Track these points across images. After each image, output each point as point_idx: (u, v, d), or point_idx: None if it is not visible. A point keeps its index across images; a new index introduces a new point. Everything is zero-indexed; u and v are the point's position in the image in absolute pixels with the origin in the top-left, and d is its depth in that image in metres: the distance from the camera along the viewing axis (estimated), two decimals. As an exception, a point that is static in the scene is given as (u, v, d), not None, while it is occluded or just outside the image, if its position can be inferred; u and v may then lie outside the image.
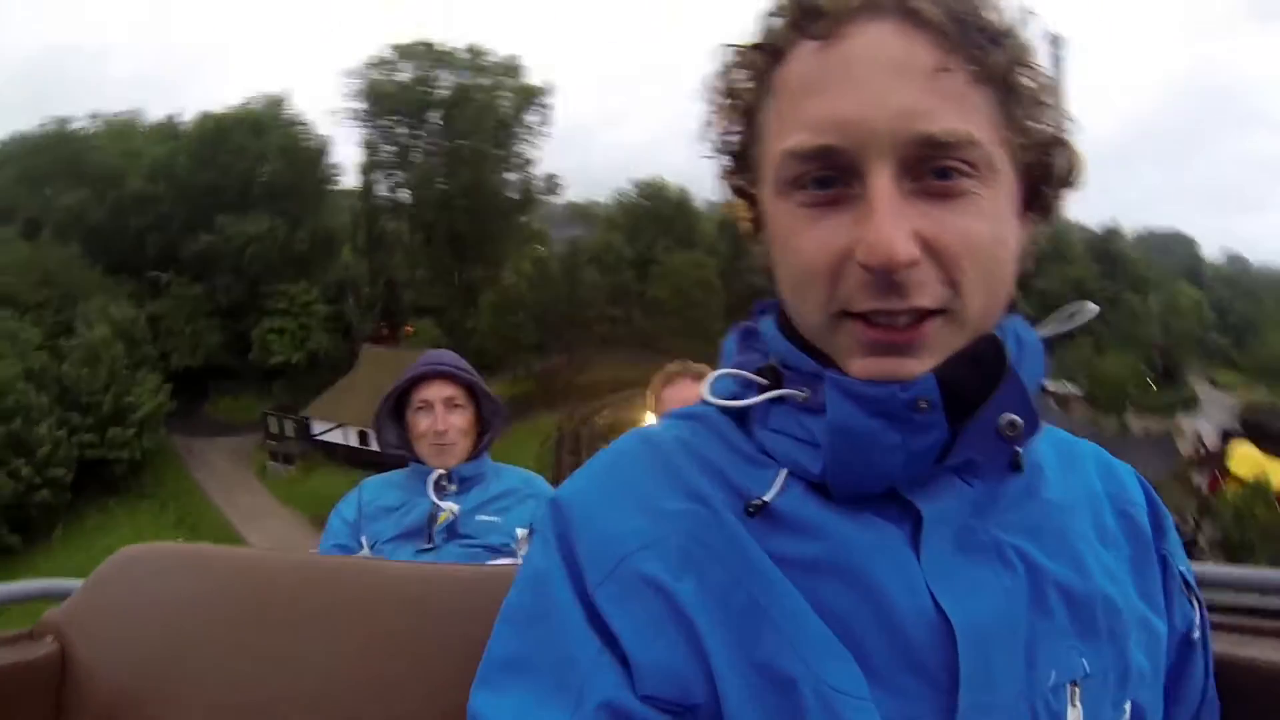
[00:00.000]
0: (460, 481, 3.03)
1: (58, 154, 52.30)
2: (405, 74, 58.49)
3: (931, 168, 0.78)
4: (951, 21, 0.78)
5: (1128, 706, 0.88)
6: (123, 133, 57.18)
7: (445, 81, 58.56)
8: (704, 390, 0.95)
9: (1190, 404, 60.14)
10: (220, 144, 49.99)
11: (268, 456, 44.53)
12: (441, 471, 3.00)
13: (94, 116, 58.88)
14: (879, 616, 0.80)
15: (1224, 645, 1.19)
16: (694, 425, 0.97)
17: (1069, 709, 0.83)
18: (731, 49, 0.90)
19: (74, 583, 2.01)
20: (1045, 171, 0.87)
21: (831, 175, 0.80)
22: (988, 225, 0.80)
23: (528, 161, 61.57)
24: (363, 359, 47.01)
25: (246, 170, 49.83)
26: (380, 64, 58.52)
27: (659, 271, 56.13)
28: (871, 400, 0.81)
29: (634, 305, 57.10)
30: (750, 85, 0.88)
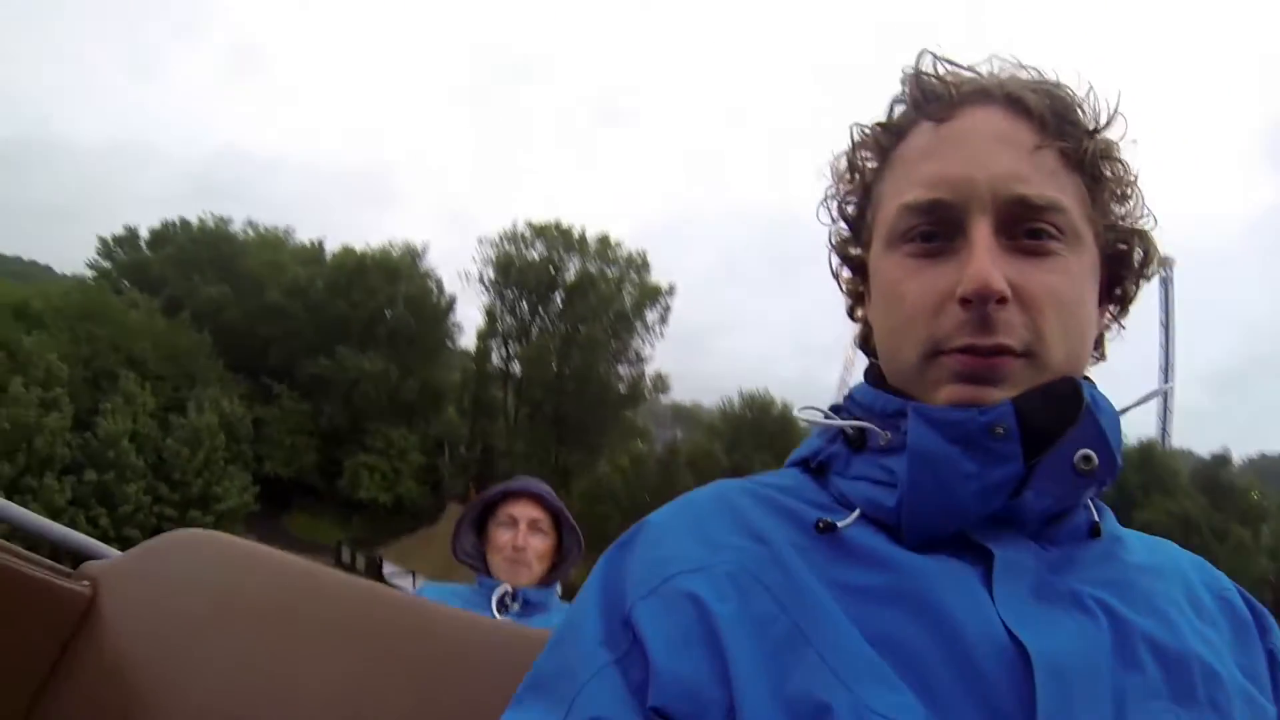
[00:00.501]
0: (525, 604, 3.00)
1: (212, 248, 55.54)
2: (536, 252, 60.42)
3: (1025, 229, 0.87)
4: (1050, 112, 0.91)
5: None
6: (272, 245, 60.46)
7: (573, 266, 60.30)
8: (798, 412, 1.01)
9: None
10: (356, 279, 52.24)
11: None
12: (508, 588, 2.97)
13: (250, 224, 62.79)
14: (947, 645, 0.77)
15: None
16: (773, 479, 1.01)
17: None
18: (859, 128, 1.03)
19: (107, 549, 1.97)
20: (1125, 259, 0.97)
21: (937, 231, 0.90)
22: (1071, 284, 0.88)
23: (641, 358, 62.36)
24: (447, 515, 46.90)
25: (375, 310, 51.84)
26: (514, 238, 60.65)
27: None
28: (951, 424, 0.85)
29: None
30: (873, 163, 1.01)
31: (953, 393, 0.86)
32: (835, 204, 1.07)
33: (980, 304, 0.84)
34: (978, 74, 0.96)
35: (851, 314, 1.10)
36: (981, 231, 0.87)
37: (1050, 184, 0.89)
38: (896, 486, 0.88)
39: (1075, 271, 0.89)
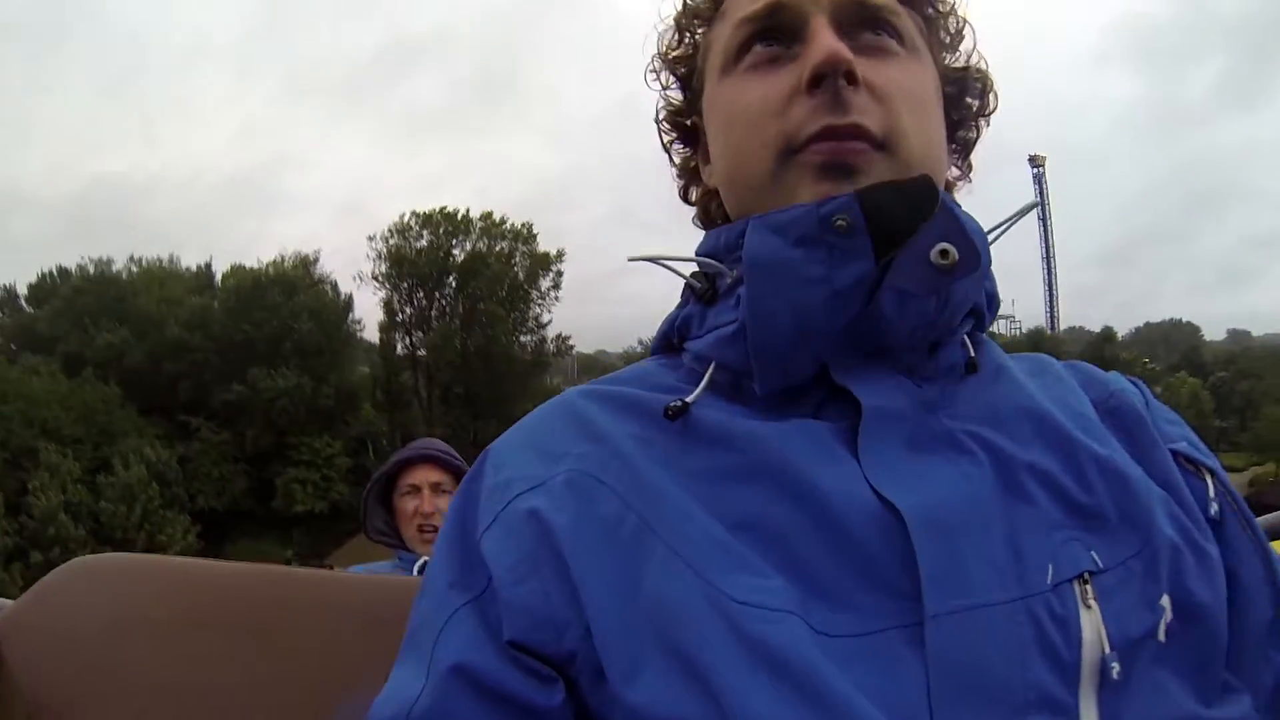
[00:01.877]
0: None
1: (100, 295, 54.87)
2: (425, 240, 61.85)
3: (866, 27, 0.83)
4: None
5: (1166, 602, 0.71)
6: (159, 277, 59.96)
7: (462, 247, 62.02)
8: (640, 251, 0.90)
9: None
10: (254, 301, 52.44)
11: None
12: (426, 559, 2.60)
13: (133, 259, 62.09)
14: (813, 519, 0.71)
15: None
16: (624, 372, 0.96)
17: (1081, 609, 0.69)
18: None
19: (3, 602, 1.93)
20: (961, 100, 0.95)
21: (775, 39, 0.85)
22: (915, 81, 0.84)
23: (540, 324, 64.68)
24: None
25: (279, 328, 52.04)
26: (402, 230, 61.96)
27: None
28: (789, 225, 0.76)
29: None
30: (704, 18, 0.97)
31: (814, 191, 0.78)
32: (664, 71, 1.02)
33: (832, 79, 0.78)
34: None
35: (685, 195, 1.04)
36: (822, 24, 0.81)
37: None
38: (744, 326, 0.80)
39: (918, 73, 0.85)
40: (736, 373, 0.82)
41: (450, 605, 0.78)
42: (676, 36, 0.99)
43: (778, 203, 0.80)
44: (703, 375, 0.82)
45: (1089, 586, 0.70)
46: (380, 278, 61.78)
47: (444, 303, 62.35)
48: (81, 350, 52.19)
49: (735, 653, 0.64)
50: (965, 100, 0.94)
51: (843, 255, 0.74)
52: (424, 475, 3.08)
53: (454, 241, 62.01)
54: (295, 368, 52.13)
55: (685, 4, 0.98)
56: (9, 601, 1.71)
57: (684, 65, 0.99)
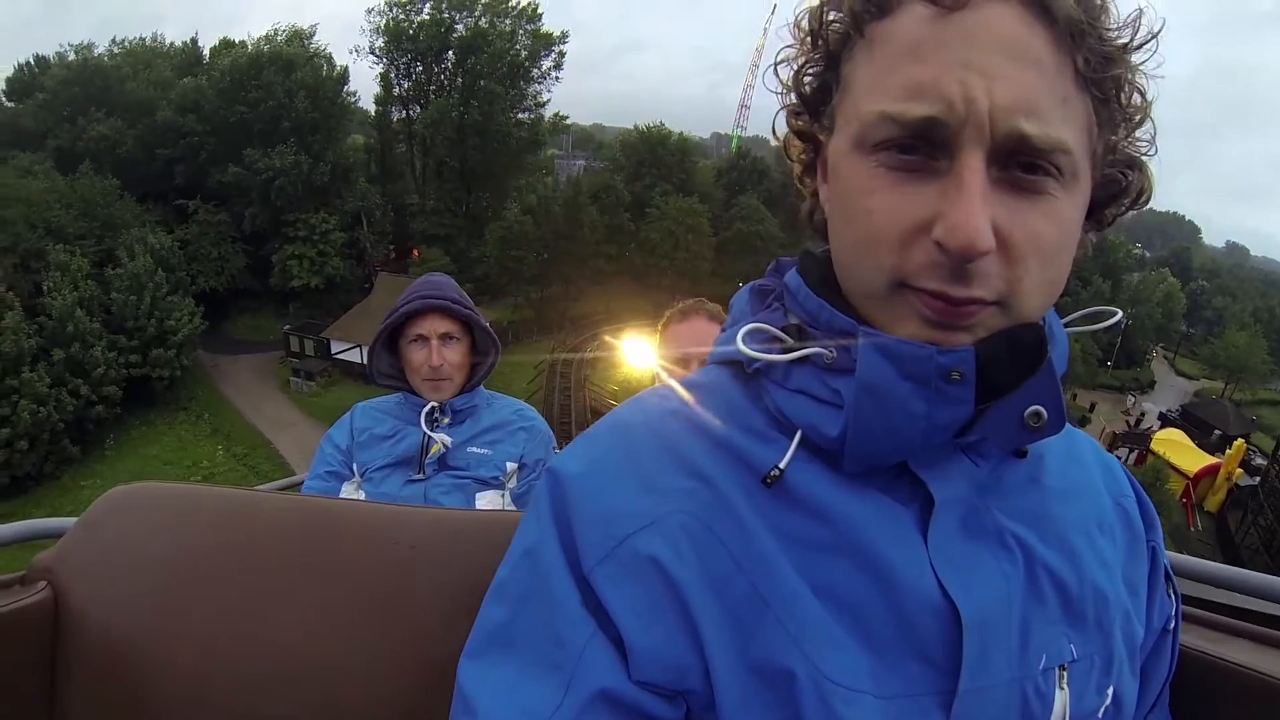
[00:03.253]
0: (453, 414, 2.96)
1: (87, 85, 54.02)
2: (425, 14, 60.82)
3: (1022, 165, 0.77)
4: (1078, 20, 0.76)
5: (1110, 692, 0.91)
6: (145, 59, 58.81)
7: (464, 23, 60.94)
8: (738, 342, 0.91)
9: (1146, 386, 65.74)
10: (249, 80, 51.77)
11: (291, 373, 47.18)
12: (435, 404, 2.93)
13: (115, 41, 60.95)
14: (888, 599, 0.81)
15: (1198, 640, 1.33)
16: (698, 395, 0.96)
17: (1057, 691, 0.86)
18: None
19: (64, 521, 2.07)
20: (1116, 190, 0.89)
21: (919, 145, 0.78)
22: (1058, 231, 0.80)
23: (539, 104, 64.46)
24: (379, 285, 49.91)
25: (275, 107, 51.62)
26: (401, 3, 60.94)
27: (655, 214, 58.74)
28: (906, 360, 0.80)
29: (629, 244, 59.62)
30: (841, 29, 0.86)
31: (915, 332, 0.81)
32: (792, 72, 0.94)
33: (960, 259, 0.76)
34: None
35: (800, 181, 1.01)
36: (974, 165, 0.76)
37: (1059, 117, 0.77)
38: (838, 408, 0.85)
39: (1066, 218, 0.81)
40: (823, 445, 0.87)
41: (584, 628, 0.83)
42: (811, 56, 0.91)
43: (883, 321, 0.83)
44: (786, 430, 0.89)
45: (1065, 673, 0.87)
46: (378, 51, 61.26)
47: (443, 78, 61.91)
48: (73, 144, 52.05)
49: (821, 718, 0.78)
50: (1119, 185, 0.90)
51: (947, 399, 0.80)
52: (432, 325, 2.93)
53: (456, 16, 60.97)
54: (292, 146, 52.18)
55: (819, 22, 0.88)
56: (62, 520, 2.01)
57: (816, 85, 0.92)
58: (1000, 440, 0.85)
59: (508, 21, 62.02)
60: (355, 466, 2.95)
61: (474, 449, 2.95)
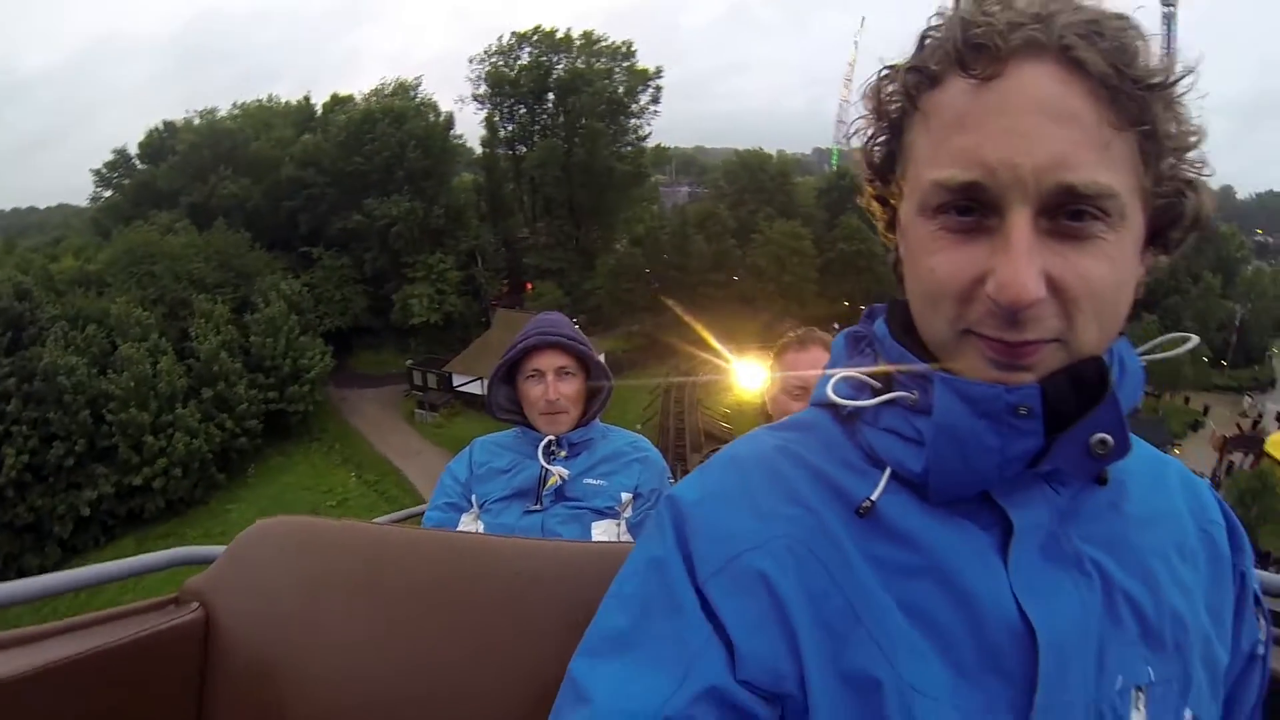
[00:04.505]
0: (570, 447, 3.01)
1: (216, 147, 57.96)
2: (524, 59, 63.47)
3: (1069, 214, 0.82)
4: (1110, 71, 0.81)
5: (1187, 714, 0.93)
6: (263, 118, 63.02)
7: (562, 65, 63.34)
8: (828, 391, 1.03)
9: (1267, 385, 61.60)
10: (364, 133, 54.63)
11: (415, 404, 50.29)
12: (551, 437, 2.98)
13: (235, 105, 65.54)
14: (969, 619, 0.87)
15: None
16: (801, 434, 1.06)
17: (1133, 712, 0.89)
18: (887, 68, 0.95)
19: (211, 549, 2.23)
20: (1174, 215, 0.91)
21: (972, 207, 0.85)
22: (1110, 269, 0.84)
23: (640, 137, 66.36)
24: (496, 321, 51.91)
25: (390, 157, 54.33)
26: (502, 51, 63.80)
27: (759, 240, 59.71)
28: (978, 400, 0.87)
29: (736, 269, 60.40)
30: (899, 103, 0.93)
31: (982, 373, 0.87)
32: (867, 145, 1.02)
33: (1011, 311, 0.82)
34: (1025, 15, 0.83)
35: (884, 237, 1.09)
36: (1020, 221, 0.82)
37: (1101, 165, 0.82)
38: (922, 445, 0.93)
39: (1117, 256, 0.85)
40: (911, 479, 0.95)
41: (703, 630, 0.90)
42: (876, 125, 0.99)
43: (954, 361, 0.91)
44: (879, 464, 0.98)
45: (1142, 695, 0.90)
46: (482, 98, 63.88)
47: (545, 118, 64.11)
48: (206, 200, 55.70)
49: None
50: (1175, 209, 0.92)
51: (1017, 433, 0.86)
52: (549, 361, 3.01)
53: (553, 59, 63.37)
54: (406, 193, 54.75)
55: (880, 97, 0.96)
56: (209, 548, 2.18)
57: (884, 154, 1.00)
58: (1070, 467, 0.91)
59: (603, 60, 64.17)
60: (474, 498, 3.00)
61: (590, 480, 2.97)
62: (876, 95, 0.96)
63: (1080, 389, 0.87)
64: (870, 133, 0.99)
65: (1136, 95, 0.82)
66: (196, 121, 62.66)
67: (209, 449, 40.29)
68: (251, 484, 42.38)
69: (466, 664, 1.55)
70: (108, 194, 62.71)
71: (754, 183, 64.69)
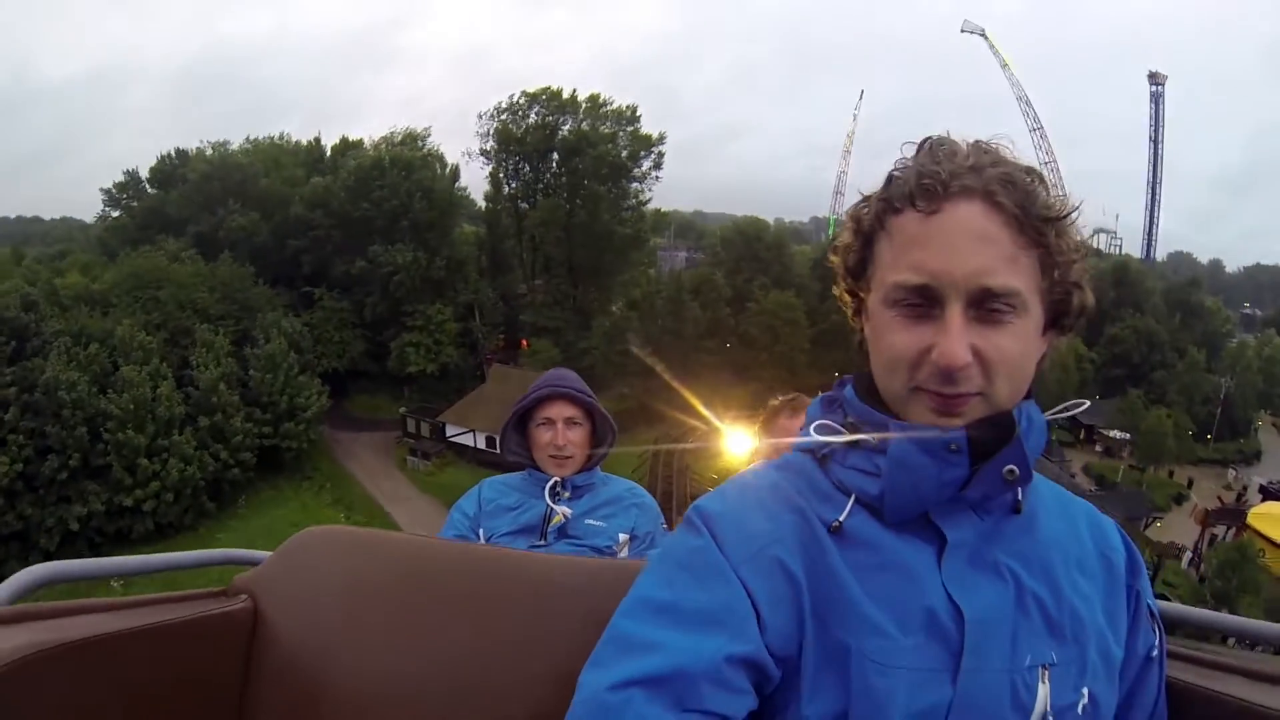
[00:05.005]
0: (573, 489, 3.24)
1: (227, 180, 59.09)
2: (531, 118, 64.86)
3: (988, 306, 1.14)
4: (1019, 208, 1.14)
5: (1085, 691, 1.18)
6: (275, 156, 64.39)
7: (567, 126, 64.80)
8: (811, 432, 1.33)
9: (1252, 457, 62.54)
10: (373, 180, 55.76)
11: (408, 451, 50.90)
12: (557, 479, 3.20)
13: (248, 140, 67.07)
14: (921, 601, 1.15)
15: (1195, 677, 1.45)
16: (787, 471, 1.34)
17: (1040, 685, 1.14)
18: (863, 197, 1.30)
19: (255, 553, 2.30)
20: (1066, 307, 1.24)
21: (921, 301, 1.17)
22: (1017, 344, 1.16)
23: (641, 202, 67.58)
24: (492, 375, 52.76)
25: (396, 206, 55.39)
26: (510, 109, 65.24)
27: (754, 309, 61.34)
28: (923, 440, 1.17)
29: (729, 337, 61.73)
30: (871, 220, 1.26)
31: (926, 419, 1.18)
32: (844, 252, 1.33)
33: (949, 372, 1.13)
34: (961, 168, 1.16)
35: (852, 321, 1.40)
36: (955, 312, 1.14)
37: (1011, 272, 1.14)
38: (880, 477, 1.21)
39: (1022, 336, 1.17)
40: (870, 503, 1.24)
41: (746, 602, 1.15)
42: (853, 238, 1.30)
43: (908, 413, 1.21)
44: (846, 492, 1.26)
45: (1047, 672, 1.15)
46: (488, 153, 65.17)
47: (548, 177, 65.36)
48: (214, 231, 56.60)
49: (863, 688, 1.11)
50: (1067, 303, 1.25)
51: (950, 465, 1.17)
52: (559, 410, 3.25)
53: (559, 119, 64.66)
54: (410, 241, 55.65)
55: (859, 220, 1.28)
56: (255, 552, 2.29)
57: (857, 259, 1.31)
58: (988, 489, 1.19)
59: (608, 124, 65.38)
60: (481, 533, 3.17)
61: (591, 521, 3.17)
62: (855, 216, 1.29)
63: (997, 436, 1.16)
64: (849, 242, 1.31)
65: (1036, 225, 1.15)
66: (209, 152, 63.77)
67: (202, 476, 40.69)
68: (242, 515, 42.70)
69: (491, 667, 1.68)
70: (115, 214, 63.39)
71: (750, 252, 65.86)
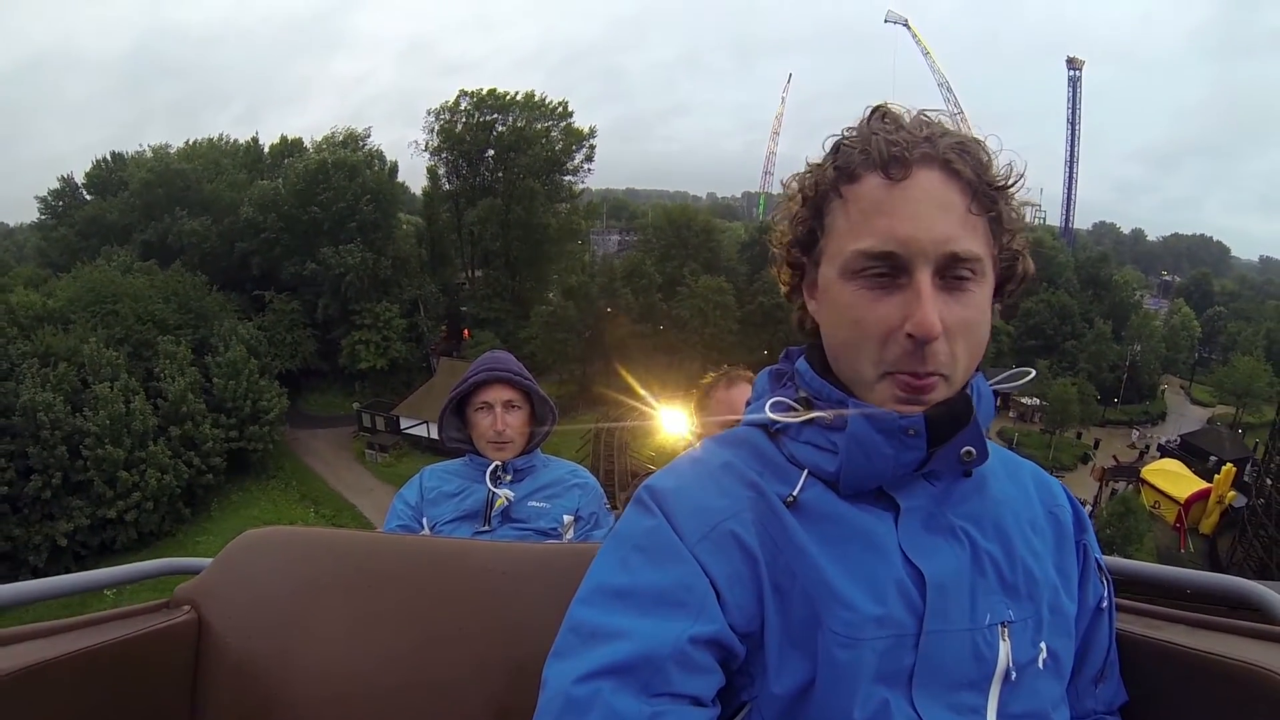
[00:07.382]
0: (514, 472, 3.21)
1: (170, 185, 59.50)
2: (471, 118, 66.85)
3: (953, 274, 1.14)
4: (974, 175, 1.16)
5: (1043, 646, 1.21)
6: (213, 158, 64.80)
7: (504, 124, 66.83)
8: (765, 410, 1.32)
9: (1157, 418, 66.97)
10: (320, 183, 56.84)
11: (365, 445, 52.84)
12: (498, 463, 3.19)
13: (187, 143, 67.22)
14: (884, 566, 1.16)
15: (1144, 628, 1.47)
16: (738, 447, 1.33)
17: (1000, 642, 1.17)
18: (810, 165, 1.27)
19: (198, 560, 2.11)
20: (1011, 274, 1.27)
21: (886, 270, 1.15)
22: (976, 314, 1.17)
23: (574, 194, 70.21)
24: (440, 369, 55.01)
25: (344, 208, 56.49)
26: (450, 109, 67.03)
27: (685, 293, 62.65)
28: (881, 422, 1.17)
29: (661, 320, 63.17)
30: (823, 190, 1.23)
31: (891, 406, 1.18)
32: (787, 219, 1.31)
33: (923, 343, 1.12)
34: (918, 137, 1.17)
35: (788, 298, 1.38)
36: (925, 279, 1.13)
37: (971, 238, 1.15)
38: (836, 454, 1.21)
39: (980, 300, 1.18)
40: (825, 478, 1.24)
41: (704, 582, 1.14)
42: (801, 207, 1.28)
43: (870, 396, 1.21)
44: (800, 466, 1.26)
45: (1006, 629, 1.18)
46: (432, 150, 67.14)
47: (485, 174, 67.49)
48: (161, 239, 57.41)
49: (829, 660, 1.11)
50: (1013, 269, 1.28)
51: (908, 447, 1.18)
52: (497, 394, 3.21)
53: (497, 117, 66.75)
54: (358, 242, 57.08)
55: (809, 189, 1.26)
56: (196, 560, 2.12)
57: (806, 230, 1.28)
58: (945, 470, 1.24)
59: (542, 122, 67.73)
60: (425, 521, 3.17)
61: (534, 503, 3.19)
62: (804, 182, 1.29)
63: (953, 416, 1.20)
64: (795, 211, 1.31)
65: (989, 193, 1.19)
66: (148, 154, 64.38)
67: (177, 484, 42.16)
68: (215, 518, 44.30)
69: (445, 659, 1.69)
70: (53, 223, 63.25)
71: (680, 238, 67.75)
